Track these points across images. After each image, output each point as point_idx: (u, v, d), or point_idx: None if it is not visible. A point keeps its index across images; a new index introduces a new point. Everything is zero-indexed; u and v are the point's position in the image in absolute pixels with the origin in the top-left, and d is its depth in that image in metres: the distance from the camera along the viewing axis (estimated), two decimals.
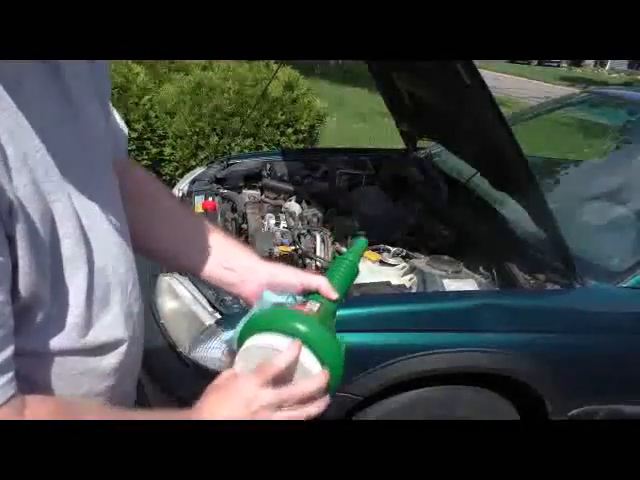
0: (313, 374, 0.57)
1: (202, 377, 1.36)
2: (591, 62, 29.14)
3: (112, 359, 0.54)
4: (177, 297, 1.53)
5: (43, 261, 0.45)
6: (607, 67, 28.32)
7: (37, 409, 0.45)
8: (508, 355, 1.43)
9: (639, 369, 1.60)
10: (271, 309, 0.63)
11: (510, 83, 14.63)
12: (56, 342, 0.48)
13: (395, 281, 1.66)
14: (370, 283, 1.61)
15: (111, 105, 0.67)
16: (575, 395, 1.57)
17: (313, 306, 0.64)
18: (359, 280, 1.63)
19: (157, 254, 0.75)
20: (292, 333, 0.57)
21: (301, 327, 0.57)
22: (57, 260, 0.47)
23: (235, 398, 0.55)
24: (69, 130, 0.51)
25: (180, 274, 1.58)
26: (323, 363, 0.57)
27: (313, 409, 0.57)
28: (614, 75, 23.05)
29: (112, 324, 0.53)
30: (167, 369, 1.44)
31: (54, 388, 0.50)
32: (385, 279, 1.65)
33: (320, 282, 0.68)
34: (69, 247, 0.48)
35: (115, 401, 0.58)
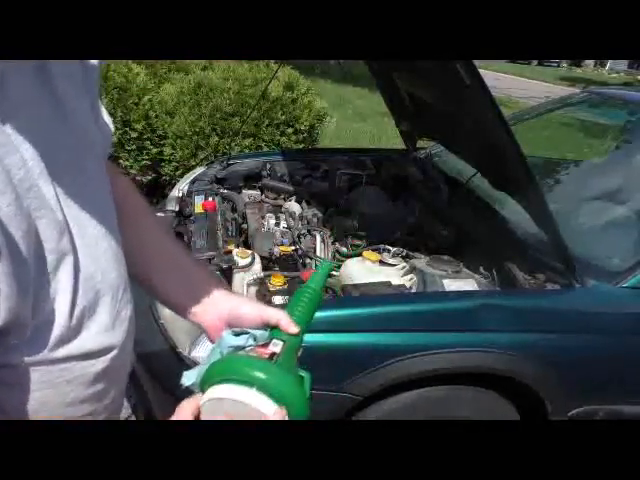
0: None
1: None
2: (591, 62, 29.14)
3: (99, 365, 0.53)
4: None
5: (26, 281, 0.44)
6: (607, 67, 28.32)
7: None
8: (508, 355, 1.43)
9: (639, 370, 1.60)
10: (230, 356, 0.63)
11: (510, 83, 14.64)
12: (40, 354, 0.47)
13: (395, 281, 1.66)
14: (370, 283, 1.61)
15: (100, 103, 0.66)
16: (575, 395, 1.57)
17: (276, 347, 0.63)
18: (359, 280, 1.66)
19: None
20: (252, 383, 0.57)
21: (260, 375, 0.57)
22: (41, 275, 0.46)
23: None
24: (58, 135, 0.50)
25: None
26: (288, 411, 0.58)
27: None
28: (614, 75, 23.05)
29: (100, 331, 0.52)
30: (167, 369, 1.44)
31: (41, 396, 0.50)
32: (385, 279, 1.65)
33: (279, 317, 0.67)
34: (53, 261, 0.47)
35: (102, 407, 0.57)
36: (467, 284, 1.60)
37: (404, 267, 1.75)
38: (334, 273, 1.80)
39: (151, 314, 1.54)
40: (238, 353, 0.63)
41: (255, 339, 0.65)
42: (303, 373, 0.65)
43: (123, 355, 0.57)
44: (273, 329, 0.68)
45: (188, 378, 0.64)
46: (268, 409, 0.57)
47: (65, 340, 0.49)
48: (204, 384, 0.59)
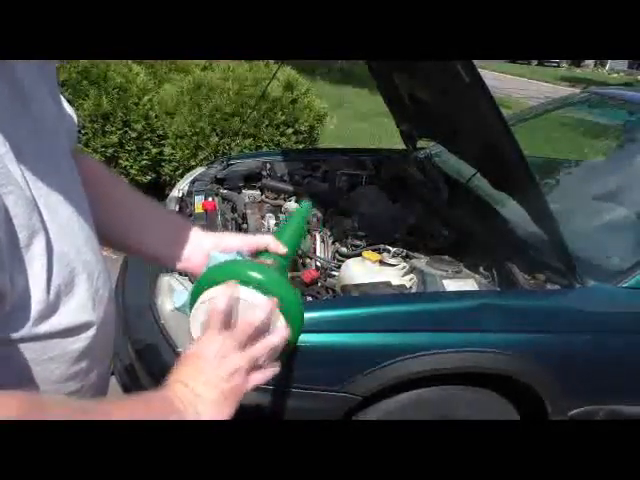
0: (277, 324, 0.59)
1: None
2: (591, 62, 29.13)
3: (81, 342, 0.55)
4: None
5: (1, 255, 0.45)
6: (607, 67, 28.31)
7: None
8: (508, 355, 1.43)
9: (639, 369, 1.60)
10: (222, 263, 0.63)
11: (510, 83, 14.64)
12: (21, 330, 0.49)
13: (395, 281, 1.66)
14: (370, 283, 1.61)
15: (59, 91, 0.67)
16: (575, 395, 1.57)
17: (266, 260, 0.65)
18: (359, 280, 1.66)
19: (103, 238, 0.75)
20: (249, 281, 0.57)
21: (257, 275, 0.58)
22: (13, 249, 0.47)
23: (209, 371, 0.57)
24: (20, 121, 0.51)
25: (180, 274, 1.58)
26: (283, 309, 0.59)
27: (270, 371, 0.60)
28: (614, 75, 23.04)
29: (78, 308, 0.54)
30: (167, 369, 1.43)
31: (27, 374, 0.51)
32: (385, 279, 1.65)
33: (267, 240, 0.70)
34: (25, 238, 0.48)
35: (88, 385, 0.59)
36: (467, 284, 1.60)
37: (404, 267, 1.75)
38: (334, 273, 1.80)
39: (151, 314, 1.54)
40: (230, 261, 0.64)
41: (243, 257, 0.67)
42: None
43: (104, 333, 0.59)
44: (261, 253, 0.69)
45: (179, 299, 0.64)
46: (258, 299, 0.57)
47: (45, 316, 0.50)
48: (196, 295, 0.61)
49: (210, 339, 0.58)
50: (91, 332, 0.56)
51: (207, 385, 0.57)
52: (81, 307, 0.54)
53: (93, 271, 0.57)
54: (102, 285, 0.58)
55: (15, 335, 0.48)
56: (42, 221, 0.50)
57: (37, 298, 0.49)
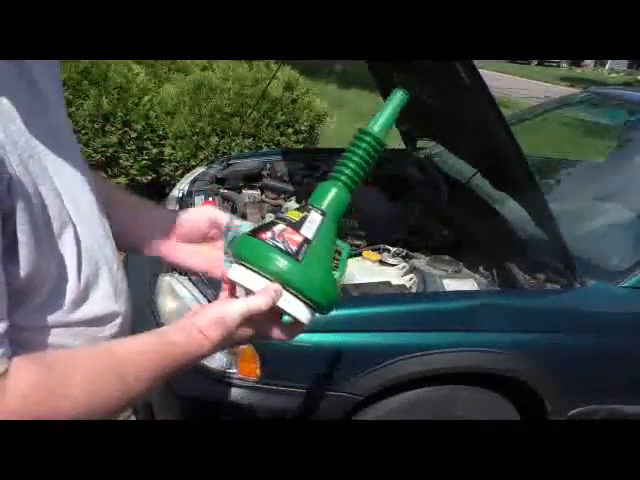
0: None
1: (202, 376, 1.36)
2: (591, 62, 29.11)
3: (108, 331, 0.57)
4: (177, 297, 1.53)
5: (40, 238, 0.47)
6: (607, 67, 28.30)
7: (18, 380, 0.43)
8: (508, 355, 1.43)
9: (639, 369, 1.60)
10: (252, 242, 0.59)
11: (510, 83, 14.62)
12: (58, 317, 0.51)
13: (395, 281, 1.66)
14: (370, 283, 1.61)
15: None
16: (575, 395, 1.57)
17: (309, 229, 0.59)
18: (359, 280, 1.66)
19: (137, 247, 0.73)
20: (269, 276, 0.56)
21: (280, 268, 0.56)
22: (49, 237, 0.49)
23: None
24: (37, 115, 0.52)
25: (180, 274, 1.58)
26: (308, 300, 0.57)
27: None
28: (614, 75, 23.01)
29: (104, 298, 0.56)
30: None
31: None
32: (385, 279, 1.65)
33: None
34: (58, 227, 0.50)
35: None
36: (467, 284, 1.60)
37: (404, 267, 1.74)
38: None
39: (151, 314, 1.54)
40: (264, 240, 0.58)
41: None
42: (341, 244, 0.62)
43: (127, 322, 0.61)
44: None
45: (234, 233, 0.63)
46: (254, 285, 0.57)
47: (77, 304, 0.52)
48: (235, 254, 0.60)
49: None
50: (118, 321, 0.58)
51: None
52: (106, 298, 0.56)
53: (112, 265, 0.59)
54: (120, 279, 0.61)
55: (50, 321, 0.50)
56: (69, 215, 0.52)
57: (70, 286, 0.51)
